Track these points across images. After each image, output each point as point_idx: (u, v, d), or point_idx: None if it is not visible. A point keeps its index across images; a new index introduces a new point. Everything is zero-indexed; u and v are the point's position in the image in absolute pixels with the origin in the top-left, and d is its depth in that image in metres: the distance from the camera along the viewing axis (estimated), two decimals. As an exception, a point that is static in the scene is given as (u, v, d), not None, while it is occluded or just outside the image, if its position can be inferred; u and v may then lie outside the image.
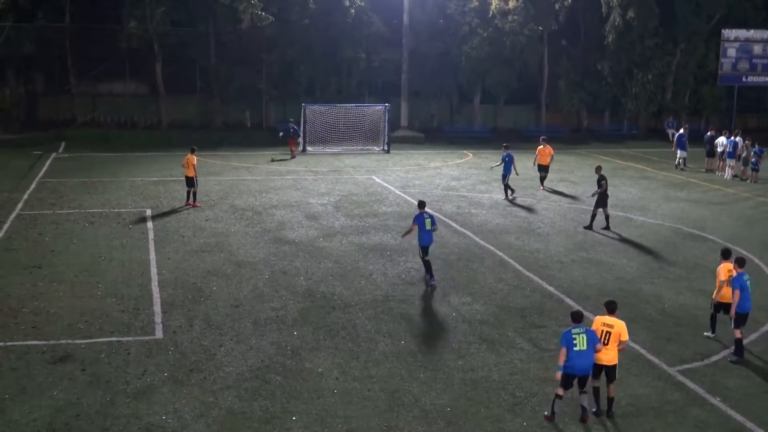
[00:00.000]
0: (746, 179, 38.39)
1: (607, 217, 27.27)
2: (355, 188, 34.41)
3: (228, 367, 15.56)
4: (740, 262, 16.95)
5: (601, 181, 27.08)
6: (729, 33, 56.72)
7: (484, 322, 18.40)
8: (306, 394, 14.51)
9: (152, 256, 23.12)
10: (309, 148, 45.83)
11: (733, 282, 16.66)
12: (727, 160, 39.99)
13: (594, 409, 14.06)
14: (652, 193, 35.20)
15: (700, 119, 58.65)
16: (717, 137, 41.75)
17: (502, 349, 16.84)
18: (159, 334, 17.24)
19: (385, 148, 46.72)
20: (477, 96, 59.18)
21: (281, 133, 44.71)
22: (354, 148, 46.76)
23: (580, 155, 47.94)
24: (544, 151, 35.12)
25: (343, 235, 25.98)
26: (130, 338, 16.90)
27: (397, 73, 56.74)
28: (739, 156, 39.16)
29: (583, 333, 13.76)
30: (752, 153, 38.27)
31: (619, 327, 14.07)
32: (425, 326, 18.05)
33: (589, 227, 27.23)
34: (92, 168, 38.42)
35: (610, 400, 14.11)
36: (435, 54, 56.18)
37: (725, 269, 17.18)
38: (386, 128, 47.63)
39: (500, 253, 24.16)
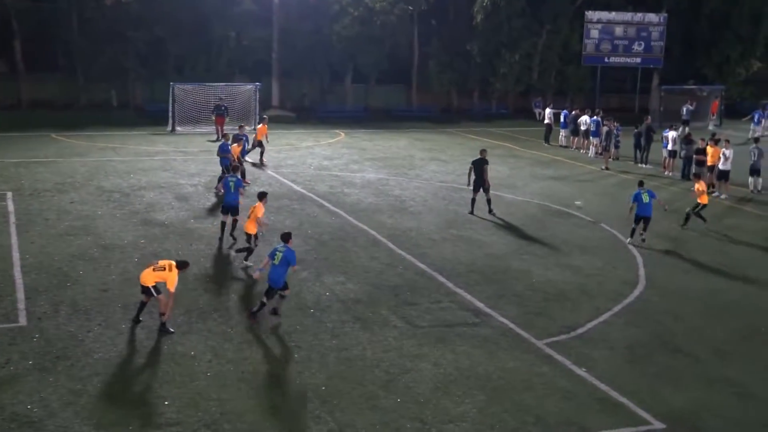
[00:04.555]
0: (617, 158, 39.31)
1: (478, 201, 27.39)
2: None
3: (97, 353, 15.15)
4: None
5: (485, 164, 26.89)
6: (592, 15, 58.52)
7: (357, 301, 18.48)
8: (178, 378, 14.28)
9: (14, 240, 22.23)
10: (178, 128, 44.88)
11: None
12: (591, 138, 41.18)
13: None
14: (519, 171, 36.00)
15: (566, 99, 60.21)
16: (580, 116, 42.99)
17: (376, 327, 16.95)
18: (23, 320, 16.62)
19: (256, 127, 46.17)
20: (348, 75, 59.26)
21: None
22: (224, 127, 46.02)
23: (450, 134, 48.60)
24: (263, 129, 35.68)
25: (215, 216, 25.58)
26: (-9, 326, 16.28)
27: (267, 52, 56.25)
28: (606, 134, 39.67)
29: (282, 252, 16.88)
30: (615, 132, 39.04)
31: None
32: (299, 307, 17.97)
33: (490, 211, 26.96)
34: (-52, 149, 36.71)
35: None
36: (306, 33, 55.82)
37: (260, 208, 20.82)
38: (257, 108, 47.10)
39: (373, 232, 24.29)
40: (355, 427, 12.87)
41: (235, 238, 22.90)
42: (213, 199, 27.84)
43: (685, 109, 50.33)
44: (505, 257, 22.37)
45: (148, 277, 16.24)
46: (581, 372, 15.17)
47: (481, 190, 26.95)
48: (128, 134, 42.93)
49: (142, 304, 16.61)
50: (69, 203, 26.68)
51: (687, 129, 42.47)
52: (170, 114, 45.00)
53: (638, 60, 60.44)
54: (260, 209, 20.69)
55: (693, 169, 32.68)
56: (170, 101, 45.21)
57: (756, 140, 34.79)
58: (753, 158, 32.38)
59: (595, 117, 41.21)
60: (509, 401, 13.89)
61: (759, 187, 32.46)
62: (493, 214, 26.67)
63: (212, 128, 43.24)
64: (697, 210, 26.15)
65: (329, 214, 26.35)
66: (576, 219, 27.10)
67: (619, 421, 13.41)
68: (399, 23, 55.90)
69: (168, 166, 34.07)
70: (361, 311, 17.86)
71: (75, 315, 16.99)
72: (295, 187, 30.42)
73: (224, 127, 41.44)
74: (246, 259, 20.77)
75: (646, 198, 24.03)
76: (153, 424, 12.74)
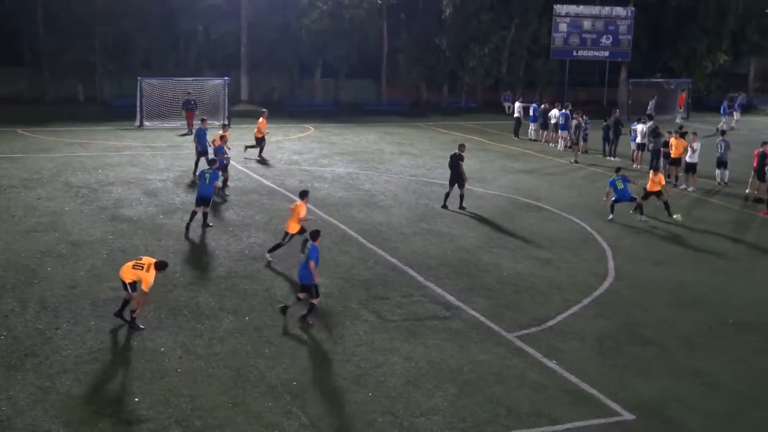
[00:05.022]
0: (585, 151, 39.48)
1: (451, 195, 27.32)
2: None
3: (65, 350, 15.03)
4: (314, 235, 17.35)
5: (459, 160, 26.89)
6: (560, 8, 58.74)
7: (328, 295, 18.44)
8: (149, 375, 14.20)
9: (-20, 237, 22.04)
10: (146, 123, 44.56)
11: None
12: (560, 131, 41.36)
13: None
14: (489, 164, 36.09)
15: (535, 92, 60.42)
16: (550, 110, 43.16)
17: (347, 322, 16.94)
18: (-10, 318, 16.48)
19: (226, 122, 45.88)
20: (318, 69, 59.15)
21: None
22: (193, 122, 45.74)
23: (420, 128, 48.58)
24: (263, 123, 35.51)
25: (184, 211, 25.40)
26: (-42, 324, 16.09)
27: (236, 47, 56.01)
28: (575, 128, 39.69)
29: (308, 249, 16.79)
30: (584, 125, 39.17)
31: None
32: (270, 302, 17.93)
33: (461, 206, 27.00)
34: None
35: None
36: (275, 27, 55.68)
37: (301, 207, 20.48)
38: (226, 102, 46.84)
39: (343, 227, 24.25)
40: (327, 422, 12.86)
41: (210, 225, 23.56)
42: (182, 195, 27.68)
43: (650, 105, 50.71)
44: (476, 250, 22.43)
45: (127, 273, 16.05)
46: (551, 364, 15.24)
47: (456, 185, 26.99)
48: (96, 129, 42.60)
49: (125, 302, 16.37)
50: (36, 199, 26.42)
51: (653, 122, 42.70)
52: (138, 109, 44.70)
53: (606, 53, 60.74)
54: (302, 208, 20.49)
55: (661, 162, 32.95)
56: (138, 96, 44.89)
57: (723, 132, 35.09)
58: (720, 151, 32.64)
59: (563, 110, 41.37)
60: (480, 394, 13.94)
61: (726, 179, 32.76)
62: (464, 209, 26.72)
63: (180, 123, 43.15)
64: (645, 197, 26.61)
65: (299, 209, 26.23)
66: (546, 212, 27.22)
67: (590, 412, 13.49)
68: (368, 17, 55.87)
69: (136, 161, 33.83)
70: (332, 305, 17.83)
71: (43, 312, 16.83)
72: (264, 181, 30.31)
73: (194, 122, 41.33)
74: (270, 251, 20.85)
75: (620, 184, 25.82)
76: (123, 421, 12.66)
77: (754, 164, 30.46)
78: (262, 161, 34.70)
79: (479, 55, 58.16)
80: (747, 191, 30.96)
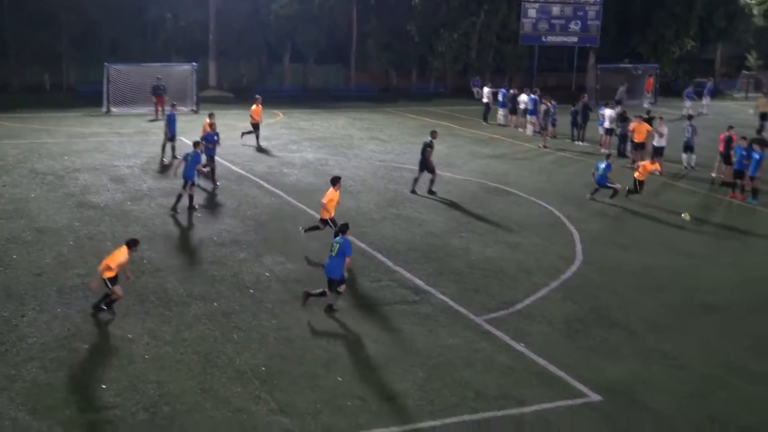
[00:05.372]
0: (554, 136, 39.53)
1: (420, 181, 27.40)
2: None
3: (31, 338, 14.89)
4: None
5: (427, 147, 27.11)
6: (529, -6, 58.89)
7: (297, 281, 18.40)
8: (116, 361, 14.11)
9: (-56, 225, 21.77)
10: (113, 109, 44.14)
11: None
12: (529, 116, 41.47)
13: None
14: (458, 149, 36.12)
15: (504, 78, 60.50)
16: (519, 95, 43.26)
17: (316, 307, 16.88)
18: (-46, 306, 16.30)
19: (194, 108, 45.68)
20: (286, 55, 58.90)
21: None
22: (161, 108, 45.41)
23: (388, 114, 48.52)
24: (258, 109, 35.29)
25: (151, 197, 25.29)
26: None
27: (204, 33, 55.57)
28: (544, 113, 39.72)
29: (339, 243, 16.34)
30: (552, 110, 39.26)
31: None
32: (238, 287, 17.88)
33: (413, 191, 27.20)
34: None
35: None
36: (243, 13, 55.30)
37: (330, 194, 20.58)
38: (194, 88, 46.54)
39: (312, 212, 24.13)
40: (295, 407, 12.84)
41: (178, 211, 23.39)
42: (149, 181, 27.50)
43: (620, 91, 51.05)
44: (445, 235, 22.47)
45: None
46: (519, 347, 15.31)
47: (426, 170, 27.06)
48: (62, 116, 42.16)
49: (106, 295, 16.18)
50: (1, 186, 26.13)
51: (620, 107, 42.97)
52: (105, 95, 44.29)
53: (575, 39, 61.10)
54: (330, 195, 20.56)
55: (628, 146, 33.17)
56: (105, 82, 44.45)
57: (689, 117, 35.35)
58: (687, 135, 32.87)
59: (532, 95, 41.46)
60: (449, 377, 13.98)
61: (692, 164, 33.02)
62: (433, 194, 26.76)
63: (148, 109, 42.81)
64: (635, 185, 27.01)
65: (268, 195, 26.20)
66: (514, 197, 27.31)
67: (557, 394, 13.57)
68: (337, 2, 55.72)
69: (103, 147, 33.55)
70: (301, 291, 17.71)
71: (8, 300, 16.67)
72: (233, 167, 30.16)
73: (164, 107, 41.04)
74: (306, 230, 21.35)
75: (600, 170, 26.49)
76: (90, 408, 12.58)
77: (720, 148, 30.76)
78: (258, 148, 34.62)
79: (449, 41, 58.19)
80: (713, 175, 31.24)
